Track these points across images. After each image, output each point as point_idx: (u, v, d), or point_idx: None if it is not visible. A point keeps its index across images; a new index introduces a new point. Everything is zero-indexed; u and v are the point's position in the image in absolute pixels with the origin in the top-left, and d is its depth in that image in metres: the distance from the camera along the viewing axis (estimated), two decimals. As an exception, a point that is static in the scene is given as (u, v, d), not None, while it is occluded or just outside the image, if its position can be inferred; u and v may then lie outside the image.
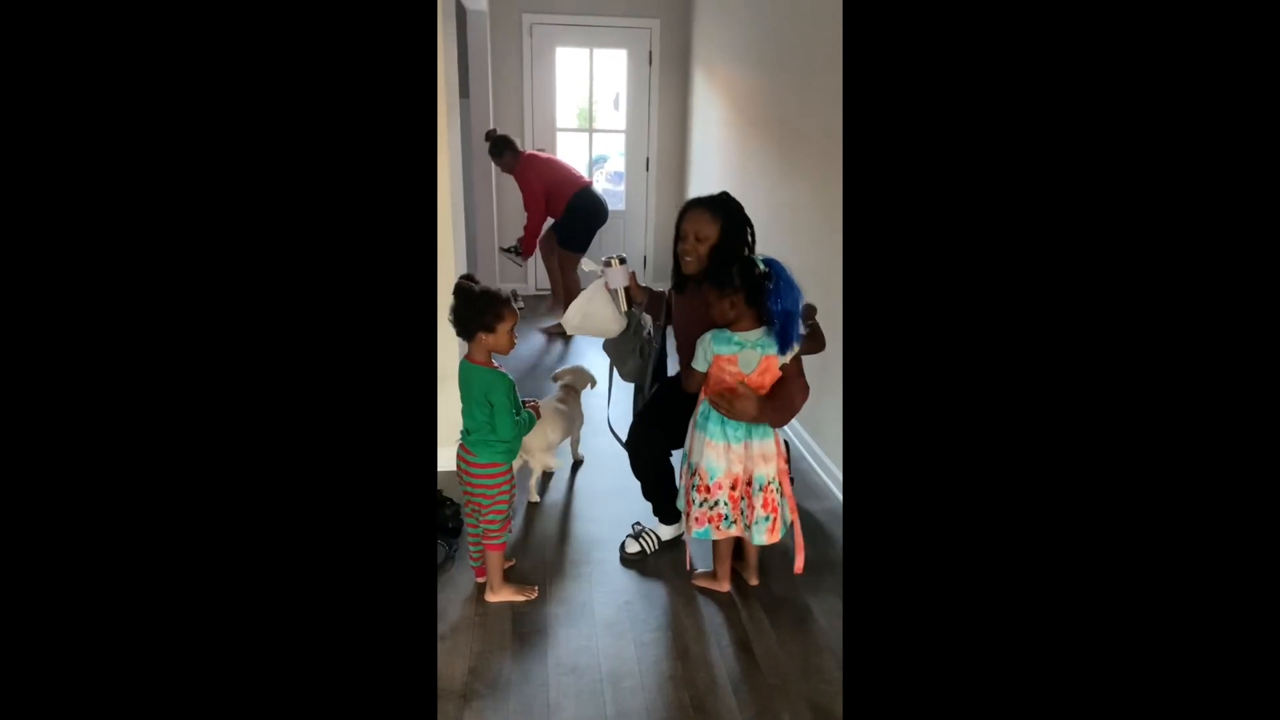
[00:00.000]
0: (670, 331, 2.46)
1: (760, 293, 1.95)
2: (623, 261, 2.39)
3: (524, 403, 2.17)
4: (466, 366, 2.07)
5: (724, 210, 2.20)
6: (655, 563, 2.40)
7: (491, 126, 4.87)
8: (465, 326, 2.03)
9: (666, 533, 2.49)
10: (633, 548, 2.42)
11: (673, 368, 2.51)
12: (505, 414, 2.05)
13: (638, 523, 2.51)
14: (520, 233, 4.74)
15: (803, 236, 3.17)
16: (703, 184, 5.04)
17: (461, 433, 2.13)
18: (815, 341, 2.15)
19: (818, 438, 3.06)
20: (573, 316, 2.42)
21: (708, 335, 2.04)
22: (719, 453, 2.05)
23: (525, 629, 2.08)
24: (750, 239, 2.23)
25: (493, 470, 2.10)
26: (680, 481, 2.21)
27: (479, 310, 2.00)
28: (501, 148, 4.46)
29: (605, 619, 2.13)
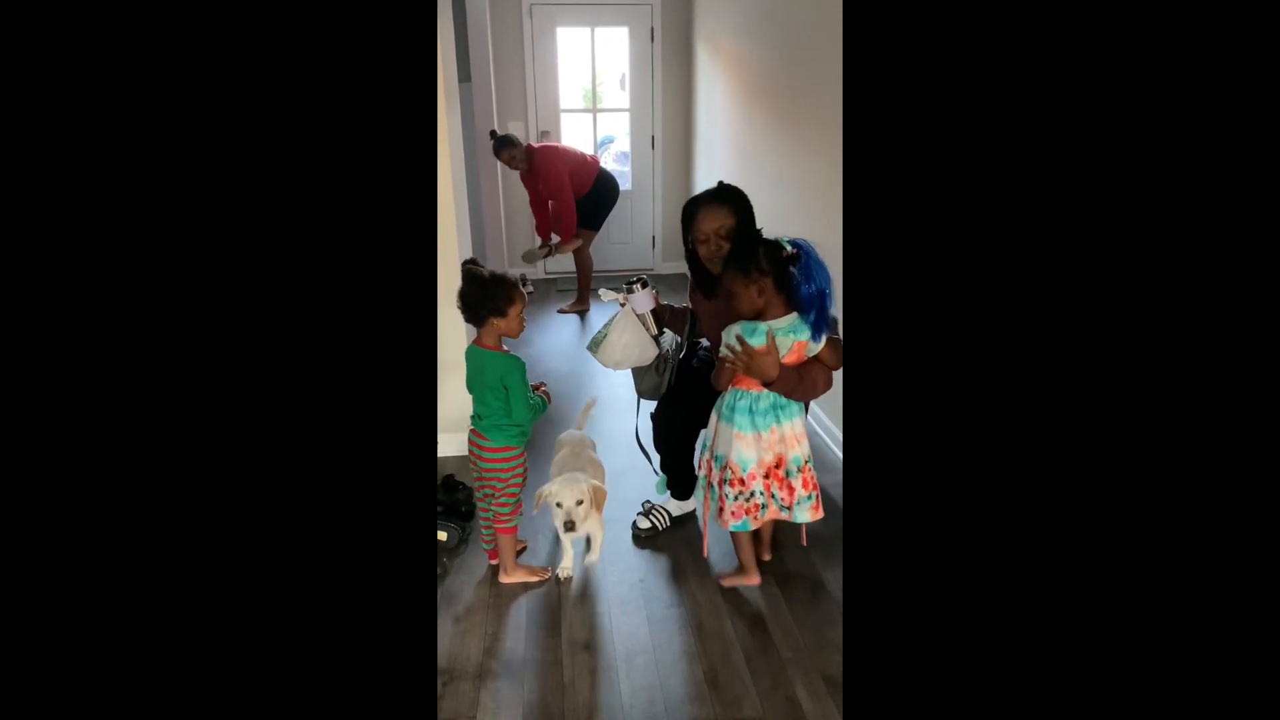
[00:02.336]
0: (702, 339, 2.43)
1: (789, 276, 1.86)
2: (645, 285, 2.32)
3: (534, 386, 2.16)
4: (477, 352, 2.07)
5: (733, 199, 2.15)
6: (668, 540, 2.40)
7: (493, 127, 4.91)
8: (475, 312, 2.02)
9: (676, 508, 2.49)
10: (644, 524, 2.42)
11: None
12: (521, 397, 2.05)
13: (647, 501, 2.51)
14: (529, 231, 4.99)
15: (811, 207, 3.14)
16: (709, 160, 5.00)
17: (472, 418, 2.13)
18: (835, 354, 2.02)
19: (830, 412, 3.04)
20: (610, 353, 2.33)
21: (734, 328, 1.94)
22: (749, 444, 1.98)
23: (539, 609, 2.09)
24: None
25: (506, 454, 2.10)
26: (700, 471, 2.15)
27: (490, 295, 2.00)
28: (503, 144, 4.51)
29: (618, 597, 2.13)
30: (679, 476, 2.44)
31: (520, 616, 2.06)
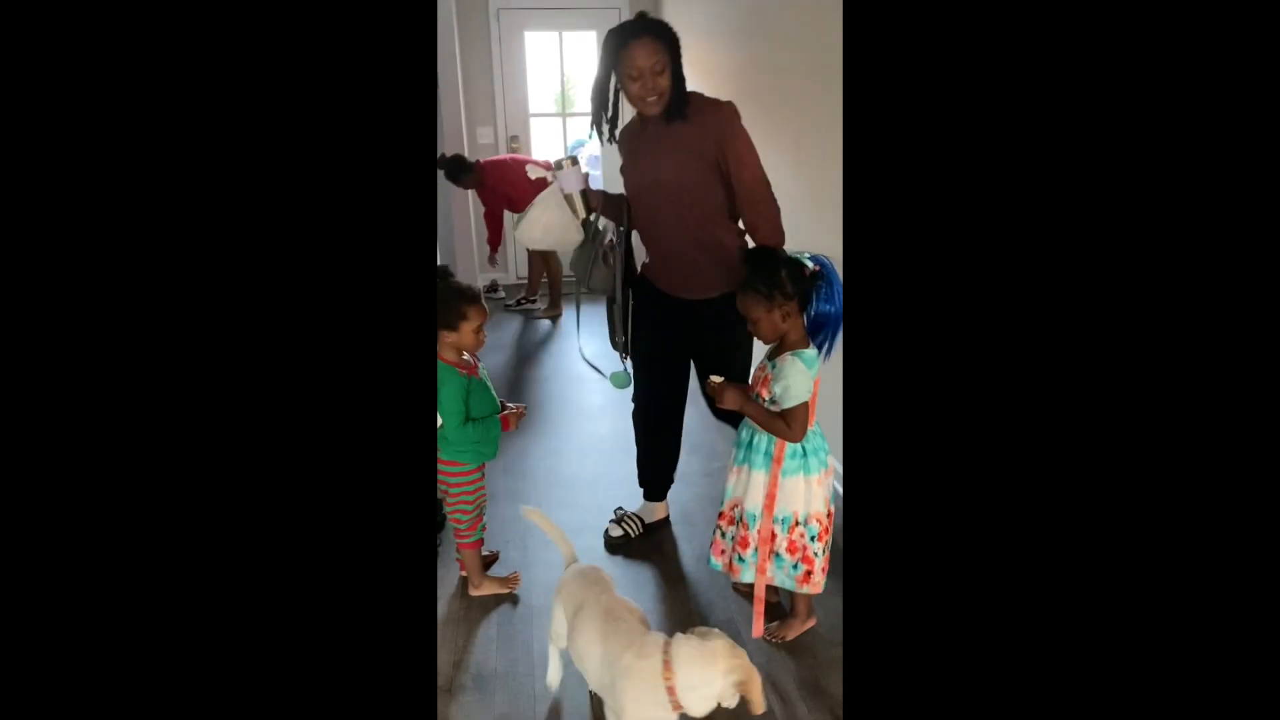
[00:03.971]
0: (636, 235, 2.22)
1: (810, 298, 1.73)
2: (575, 162, 2.14)
3: (512, 405, 2.12)
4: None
5: (664, 32, 1.92)
6: (641, 547, 2.39)
7: (440, 151, 4.67)
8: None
9: (651, 514, 2.45)
10: (616, 532, 2.39)
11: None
12: (450, 409, 1.95)
13: (619, 508, 2.48)
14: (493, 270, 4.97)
15: (785, 208, 3.14)
16: (679, 163, 4.99)
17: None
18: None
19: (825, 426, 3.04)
20: (530, 230, 2.23)
21: (794, 361, 1.71)
22: (824, 481, 1.82)
23: (509, 621, 2.07)
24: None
25: (453, 469, 2.04)
26: (747, 549, 1.85)
27: (440, 308, 1.91)
28: (457, 170, 4.40)
29: (591, 606, 2.11)
30: (657, 471, 2.40)
31: (491, 629, 2.03)
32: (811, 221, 2.77)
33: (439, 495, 2.17)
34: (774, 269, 1.71)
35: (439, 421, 2.07)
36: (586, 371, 3.70)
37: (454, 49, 4.91)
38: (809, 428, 1.77)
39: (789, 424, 1.73)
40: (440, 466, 2.06)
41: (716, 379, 1.82)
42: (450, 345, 1.98)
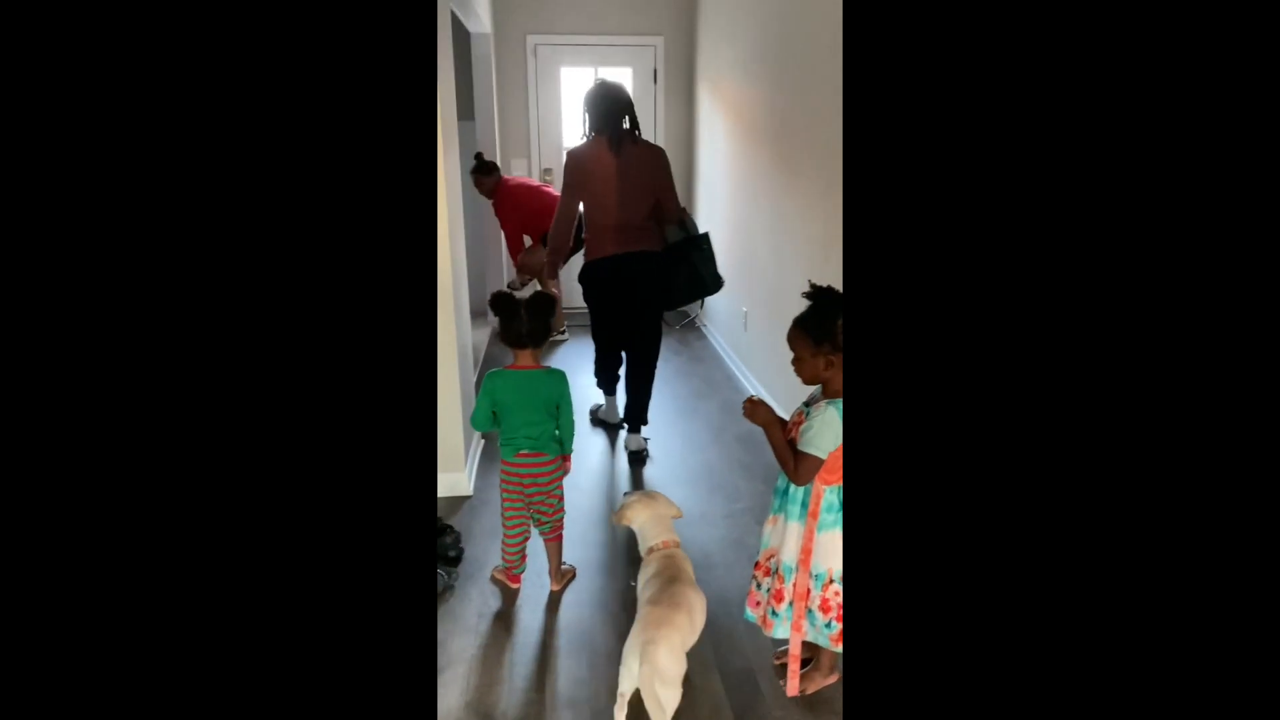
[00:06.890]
0: None
1: None
2: None
3: None
4: (522, 375, 2.18)
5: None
6: (659, 588, 2.34)
7: (479, 151, 4.88)
8: (531, 338, 2.15)
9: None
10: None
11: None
12: (571, 407, 2.24)
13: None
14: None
15: (809, 246, 3.13)
16: (709, 199, 5.01)
17: (515, 442, 2.18)
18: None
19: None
20: None
21: (829, 410, 1.65)
22: (840, 539, 1.72)
23: (525, 661, 2.03)
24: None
25: (559, 461, 2.25)
26: (782, 602, 1.78)
27: (547, 320, 2.15)
28: (479, 169, 4.65)
29: (606, 649, 2.07)
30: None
31: (504, 669, 2.00)
32: (823, 250, 2.75)
33: (514, 513, 2.25)
34: (832, 318, 1.64)
35: (525, 435, 2.19)
36: (596, 397, 3.69)
37: (491, 83, 5.00)
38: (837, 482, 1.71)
39: (796, 466, 1.69)
40: (550, 468, 2.22)
41: (755, 397, 1.79)
42: (535, 353, 2.20)
